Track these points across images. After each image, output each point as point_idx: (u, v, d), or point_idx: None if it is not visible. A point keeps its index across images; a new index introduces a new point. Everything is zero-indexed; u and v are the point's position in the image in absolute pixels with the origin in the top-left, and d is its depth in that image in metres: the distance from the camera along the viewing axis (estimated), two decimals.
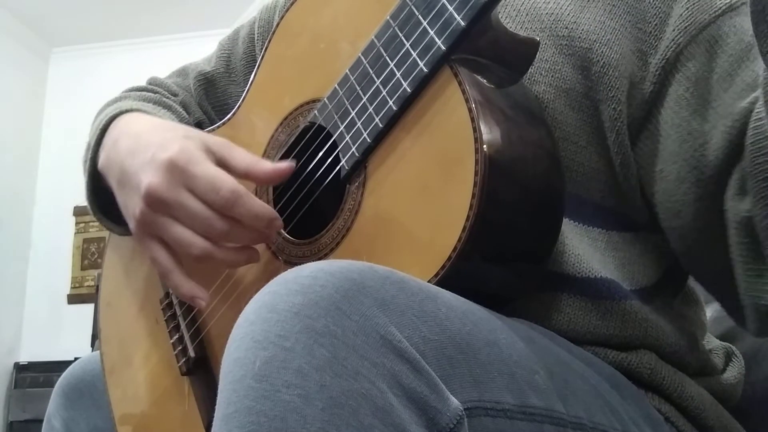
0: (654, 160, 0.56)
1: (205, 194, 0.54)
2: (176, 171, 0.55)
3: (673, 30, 0.54)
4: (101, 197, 0.70)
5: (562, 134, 0.56)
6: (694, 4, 0.54)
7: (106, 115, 0.69)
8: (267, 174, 0.57)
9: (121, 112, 0.69)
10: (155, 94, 0.80)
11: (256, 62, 0.71)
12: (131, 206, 0.59)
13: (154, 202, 0.56)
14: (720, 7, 0.54)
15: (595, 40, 0.56)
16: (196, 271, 0.61)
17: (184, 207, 0.55)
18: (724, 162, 0.51)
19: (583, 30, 0.56)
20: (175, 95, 0.83)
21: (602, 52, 0.56)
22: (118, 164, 0.62)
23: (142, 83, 0.86)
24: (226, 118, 0.73)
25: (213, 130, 0.74)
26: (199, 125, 0.82)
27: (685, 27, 0.54)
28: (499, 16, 0.54)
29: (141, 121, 0.67)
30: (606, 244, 0.59)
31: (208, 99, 0.83)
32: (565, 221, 0.55)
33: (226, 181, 0.54)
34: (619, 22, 0.56)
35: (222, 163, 0.57)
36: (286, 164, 0.57)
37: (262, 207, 0.55)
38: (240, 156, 0.58)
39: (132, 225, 0.60)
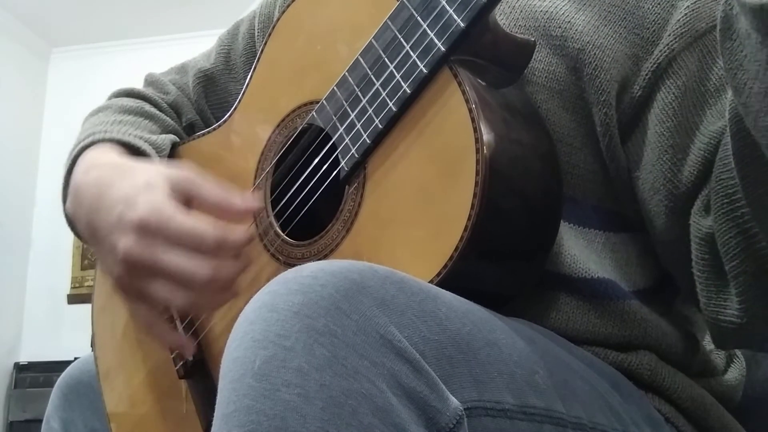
0: (635, 166, 0.56)
1: (189, 248, 0.53)
2: (149, 232, 0.54)
3: (669, 35, 0.54)
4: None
5: (557, 136, 0.56)
6: (693, 10, 0.53)
7: (79, 143, 0.68)
8: (237, 208, 0.56)
9: (91, 143, 0.68)
10: (138, 102, 0.78)
11: (256, 58, 0.71)
12: (108, 265, 0.58)
13: (132, 265, 0.54)
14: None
15: (588, 42, 0.56)
16: None
17: (163, 266, 0.53)
18: (698, 179, 0.52)
19: (576, 31, 0.56)
20: (167, 94, 0.82)
21: (594, 54, 0.55)
22: (84, 219, 0.61)
23: (141, 81, 0.86)
24: (221, 121, 0.73)
25: (210, 132, 0.74)
26: (191, 127, 0.82)
27: (682, 33, 0.53)
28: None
29: (104, 162, 0.65)
30: (603, 245, 0.59)
31: (207, 97, 0.83)
32: (561, 223, 0.55)
33: (206, 231, 0.53)
34: (614, 28, 0.56)
35: (190, 201, 0.56)
36: (255, 202, 0.57)
37: (243, 237, 0.55)
38: (206, 190, 0.57)
39: (111, 284, 0.59)
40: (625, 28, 0.55)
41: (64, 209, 0.67)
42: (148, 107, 0.78)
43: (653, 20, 0.55)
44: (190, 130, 0.81)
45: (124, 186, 0.57)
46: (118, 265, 0.55)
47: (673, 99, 0.53)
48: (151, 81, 0.84)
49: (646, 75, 0.54)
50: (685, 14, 0.54)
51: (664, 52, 0.54)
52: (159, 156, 0.71)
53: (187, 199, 0.56)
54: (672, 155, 0.53)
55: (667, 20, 0.54)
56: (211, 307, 0.60)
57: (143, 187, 0.56)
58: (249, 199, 0.57)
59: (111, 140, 0.68)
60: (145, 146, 0.70)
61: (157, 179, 0.57)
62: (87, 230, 0.61)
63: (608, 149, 0.56)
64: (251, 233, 0.57)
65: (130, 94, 0.81)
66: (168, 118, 0.79)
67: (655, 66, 0.54)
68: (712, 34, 0.53)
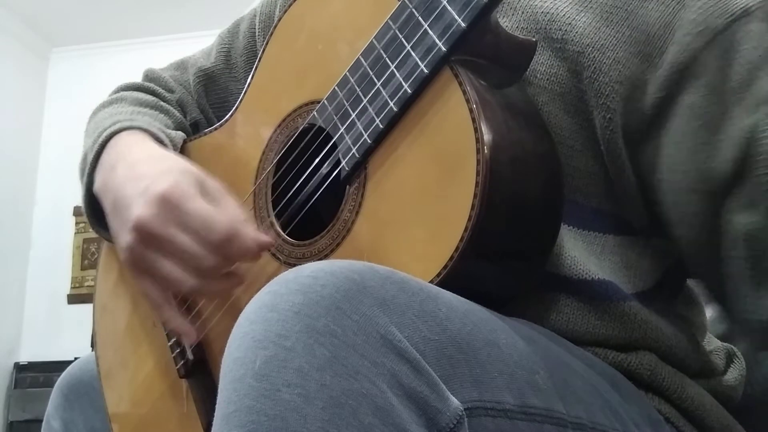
0: (660, 169, 0.55)
1: (198, 233, 0.54)
2: (168, 206, 0.55)
3: (686, 35, 0.52)
4: (99, 209, 0.70)
5: (558, 138, 0.56)
6: (707, 9, 0.52)
7: (104, 129, 0.69)
8: (247, 237, 0.56)
9: (121, 129, 0.68)
10: (151, 96, 0.79)
11: (257, 57, 0.71)
12: (122, 237, 0.59)
13: (144, 236, 0.55)
14: (734, 12, 0.52)
15: (587, 44, 0.55)
16: None
17: (173, 243, 0.54)
18: (733, 176, 0.51)
19: (576, 33, 0.56)
20: (172, 92, 0.82)
21: (594, 57, 0.55)
22: (112, 192, 0.62)
23: (140, 77, 0.85)
24: (223, 120, 0.73)
25: (210, 132, 0.74)
26: (196, 126, 0.82)
27: (699, 31, 0.52)
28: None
29: (141, 147, 0.66)
30: (602, 248, 0.58)
31: (207, 97, 0.83)
32: (561, 225, 0.55)
33: (220, 221, 0.54)
34: (616, 28, 0.55)
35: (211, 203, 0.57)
36: (268, 239, 0.57)
37: (254, 242, 0.55)
38: (228, 205, 0.57)
39: (122, 256, 0.60)
40: (628, 27, 0.54)
41: (93, 188, 0.67)
42: (161, 102, 0.78)
43: (658, 17, 0.54)
44: (195, 129, 0.81)
45: (160, 166, 0.60)
46: (130, 232, 0.56)
47: (699, 98, 0.52)
48: (153, 77, 0.84)
49: (669, 75, 0.53)
50: (700, 13, 0.52)
51: (685, 51, 0.52)
52: (174, 151, 0.71)
53: (209, 201, 0.57)
54: (704, 154, 0.52)
55: (673, 17, 0.53)
56: (217, 295, 0.61)
57: (176, 170, 0.58)
58: (261, 234, 0.57)
59: (138, 128, 0.69)
60: (166, 140, 0.71)
61: (191, 169, 0.59)
62: (112, 204, 0.62)
63: (609, 152, 0.56)
64: (263, 245, 0.56)
65: (139, 88, 0.81)
66: (178, 114, 0.79)
67: (677, 66, 0.53)
68: (729, 30, 0.52)
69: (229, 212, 0.57)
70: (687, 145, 0.53)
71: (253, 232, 0.56)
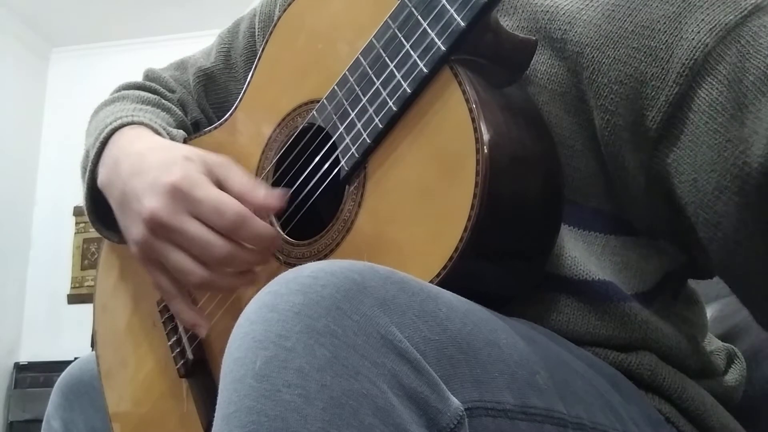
0: (684, 169, 0.53)
1: (209, 218, 0.54)
2: (179, 195, 0.55)
3: (696, 32, 0.52)
4: (100, 207, 0.70)
5: (558, 138, 0.55)
6: (717, 7, 0.52)
7: (106, 125, 0.69)
8: (259, 201, 0.57)
9: (122, 125, 0.69)
10: (153, 95, 0.79)
11: (257, 57, 0.71)
12: (133, 230, 0.59)
13: (156, 227, 0.56)
14: (746, 8, 0.51)
15: (587, 44, 0.54)
16: None
17: (185, 232, 0.55)
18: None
19: (576, 32, 0.55)
20: (173, 91, 0.82)
21: (593, 57, 0.54)
22: (119, 186, 0.62)
23: (140, 76, 0.85)
24: (223, 119, 0.73)
25: (210, 131, 0.74)
26: (197, 125, 0.82)
27: (710, 29, 0.51)
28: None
29: (142, 139, 0.67)
30: (603, 248, 0.58)
31: (207, 97, 0.83)
32: (562, 225, 0.55)
33: (231, 204, 0.54)
34: (617, 24, 0.54)
35: (219, 185, 0.57)
36: (280, 193, 0.57)
37: (265, 228, 0.55)
38: (236, 178, 0.58)
39: (133, 249, 0.60)
40: (630, 22, 0.54)
41: (97, 184, 0.68)
42: (163, 100, 0.79)
43: (663, 15, 0.53)
44: (195, 128, 0.81)
45: (165, 156, 0.60)
46: (142, 224, 0.57)
47: (719, 94, 0.51)
48: (153, 77, 0.84)
49: (683, 71, 0.52)
50: (709, 12, 0.51)
51: (699, 48, 0.51)
52: None
53: (218, 183, 0.58)
54: (734, 149, 0.50)
55: (679, 14, 0.52)
56: (226, 290, 0.61)
57: (181, 158, 0.58)
58: (273, 195, 0.57)
59: (141, 123, 0.70)
60: (167, 137, 0.71)
61: (194, 155, 0.59)
62: (120, 198, 0.62)
63: (608, 153, 0.56)
64: (276, 232, 0.56)
65: (141, 87, 0.81)
66: (180, 112, 0.79)
67: (691, 62, 0.51)
68: (742, 26, 0.51)
69: (238, 184, 0.57)
70: (712, 142, 0.51)
71: (261, 198, 0.56)
